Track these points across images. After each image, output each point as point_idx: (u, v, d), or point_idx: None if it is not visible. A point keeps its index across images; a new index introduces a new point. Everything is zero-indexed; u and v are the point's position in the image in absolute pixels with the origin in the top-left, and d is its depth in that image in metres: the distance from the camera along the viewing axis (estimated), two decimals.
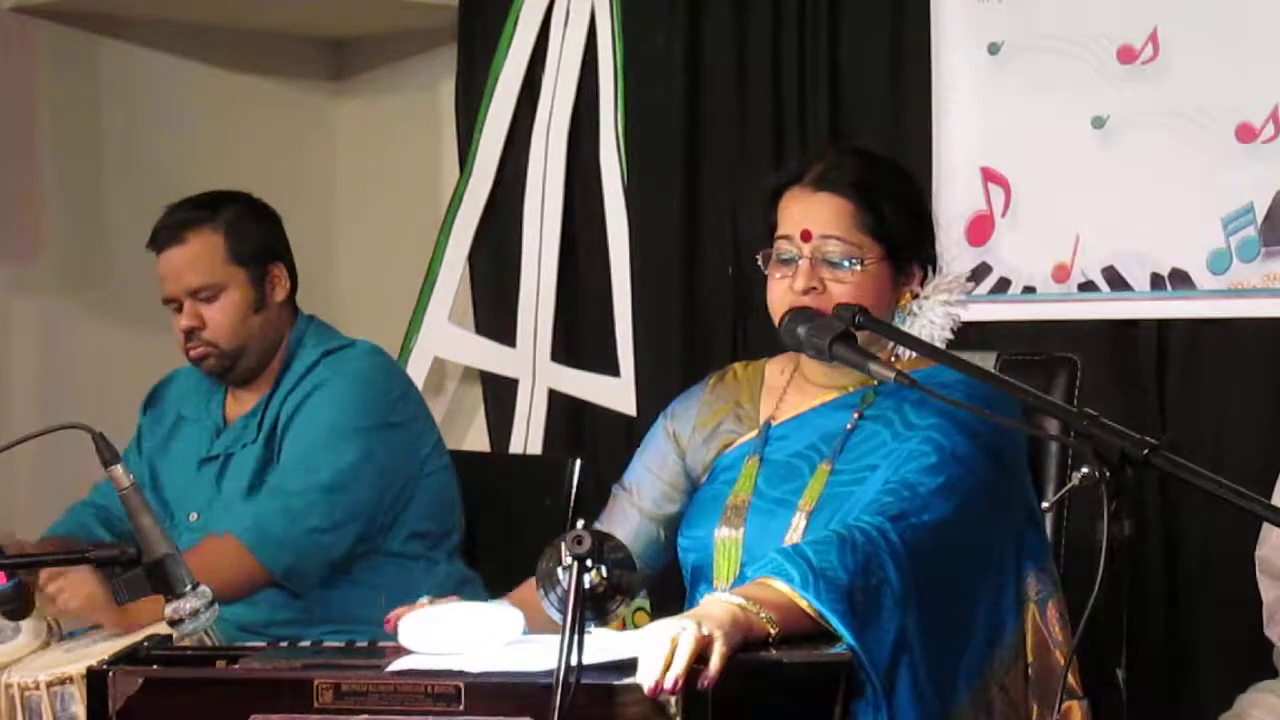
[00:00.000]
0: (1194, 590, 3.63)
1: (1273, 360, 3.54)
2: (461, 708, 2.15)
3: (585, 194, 4.44)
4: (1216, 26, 3.58)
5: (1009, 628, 2.61)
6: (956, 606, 2.53)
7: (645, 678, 2.11)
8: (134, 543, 2.57)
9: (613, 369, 4.38)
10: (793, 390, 2.78)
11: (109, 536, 3.50)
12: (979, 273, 3.80)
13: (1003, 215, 3.82)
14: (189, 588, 2.52)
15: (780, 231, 2.70)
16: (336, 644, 2.53)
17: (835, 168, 2.71)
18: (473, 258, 4.62)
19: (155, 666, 2.33)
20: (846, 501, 2.58)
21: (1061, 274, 3.75)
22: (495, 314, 4.61)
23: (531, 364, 4.51)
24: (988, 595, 2.59)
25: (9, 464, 3.13)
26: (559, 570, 2.19)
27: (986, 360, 2.89)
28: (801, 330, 2.62)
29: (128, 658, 2.34)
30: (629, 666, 2.15)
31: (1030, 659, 2.62)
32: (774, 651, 2.27)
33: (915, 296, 2.73)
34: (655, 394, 4.16)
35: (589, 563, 2.13)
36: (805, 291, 2.65)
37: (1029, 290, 3.79)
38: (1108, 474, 2.20)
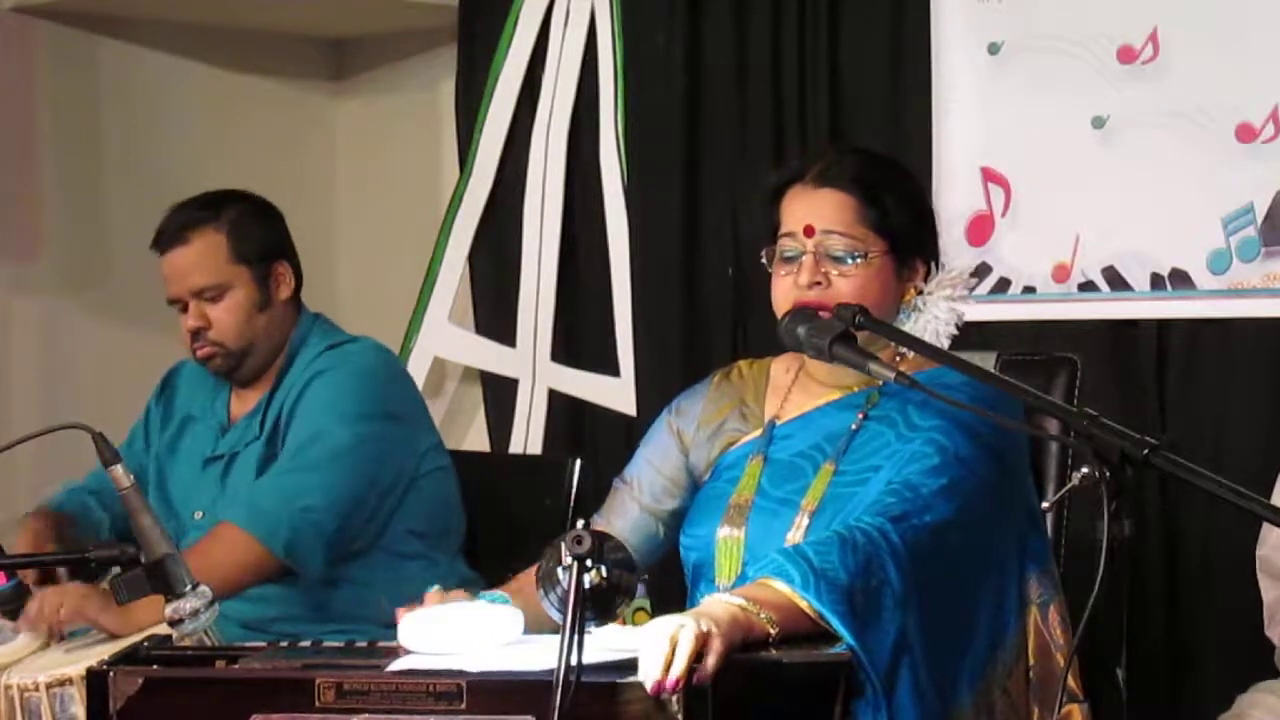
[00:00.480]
0: (1194, 590, 3.63)
1: (1273, 360, 3.54)
2: (463, 706, 2.15)
3: (585, 194, 4.44)
4: (1216, 26, 3.58)
5: (1011, 629, 2.61)
6: (958, 608, 2.53)
7: (646, 676, 2.11)
8: (132, 534, 2.58)
9: (613, 369, 4.38)
10: (797, 389, 2.78)
11: (107, 518, 3.50)
12: (979, 273, 3.80)
13: (1003, 215, 3.82)
14: (189, 588, 2.53)
15: (783, 229, 2.71)
16: (336, 644, 2.53)
17: (837, 164, 2.72)
18: (473, 258, 4.62)
19: (155, 667, 2.33)
20: (849, 502, 2.58)
21: (1061, 274, 3.75)
22: (495, 314, 4.61)
23: (531, 364, 4.51)
24: (989, 597, 2.59)
25: (9, 464, 3.14)
26: (559, 570, 2.19)
27: (986, 360, 2.89)
28: (801, 330, 2.62)
29: (128, 658, 2.34)
30: (630, 665, 2.15)
31: (1031, 662, 2.62)
32: (774, 651, 2.27)
33: (919, 293, 2.73)
34: (655, 394, 4.16)
35: (589, 563, 2.13)
36: (810, 286, 2.65)
37: (1029, 290, 3.79)
38: (1108, 474, 2.20)
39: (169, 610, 2.53)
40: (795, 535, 2.60)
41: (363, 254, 5.07)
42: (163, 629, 2.67)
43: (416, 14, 4.74)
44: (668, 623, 2.17)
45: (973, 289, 2.82)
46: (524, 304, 4.51)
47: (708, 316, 4.23)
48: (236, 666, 2.35)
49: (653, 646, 2.13)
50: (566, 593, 2.12)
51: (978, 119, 3.84)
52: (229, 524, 3.26)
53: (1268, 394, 3.55)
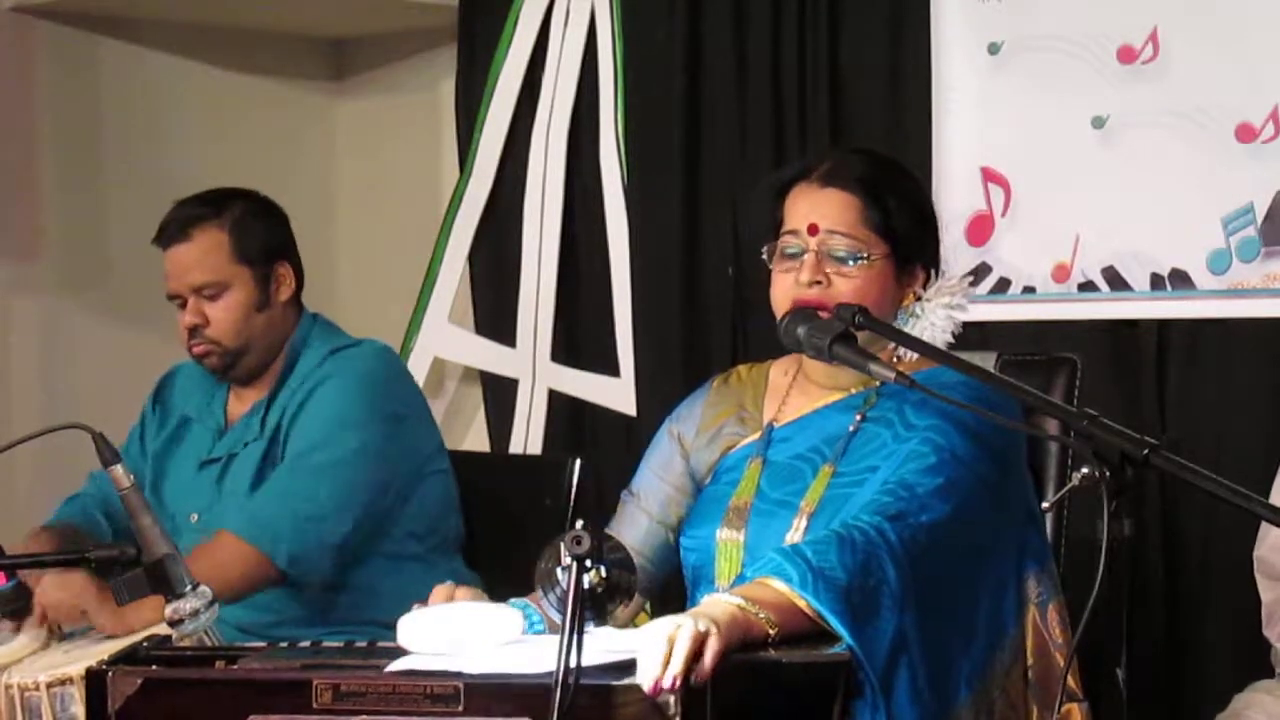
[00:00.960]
0: (1193, 590, 3.63)
1: (1273, 360, 3.54)
2: (461, 708, 2.15)
3: (585, 194, 4.44)
4: (1216, 26, 3.58)
5: (1009, 628, 2.61)
6: (956, 607, 2.53)
7: (644, 677, 2.11)
8: (134, 537, 2.58)
9: (613, 369, 4.38)
10: (796, 392, 2.78)
11: (108, 525, 3.49)
12: (979, 273, 3.81)
13: (1003, 215, 3.83)
14: (189, 588, 2.53)
15: (787, 226, 2.71)
16: (335, 644, 2.53)
17: (843, 164, 2.72)
18: (473, 258, 4.62)
19: (155, 667, 2.33)
20: (848, 503, 2.58)
21: (1061, 274, 3.75)
22: (495, 314, 4.61)
23: (531, 364, 4.51)
24: (988, 596, 2.59)
25: (9, 464, 3.14)
26: (558, 570, 2.19)
27: (986, 360, 2.89)
28: (801, 331, 2.62)
29: (127, 658, 2.34)
30: (628, 666, 2.15)
31: (1030, 661, 2.62)
32: (773, 651, 2.27)
33: (918, 298, 2.73)
34: (655, 394, 4.16)
35: (588, 563, 2.13)
36: (810, 285, 2.65)
37: (1029, 290, 3.79)
38: (1108, 474, 2.20)
39: (169, 610, 2.52)
40: (794, 537, 2.59)
41: (363, 254, 5.07)
42: (162, 629, 2.66)
43: (416, 14, 4.74)
44: (666, 623, 2.17)
45: (971, 297, 2.81)
46: (524, 304, 4.51)
47: (708, 316, 4.23)
48: (235, 667, 2.35)
49: (651, 646, 2.13)
50: (566, 593, 2.12)
51: (978, 119, 3.85)
52: (229, 533, 3.25)
53: (1268, 394, 3.55)
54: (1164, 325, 3.66)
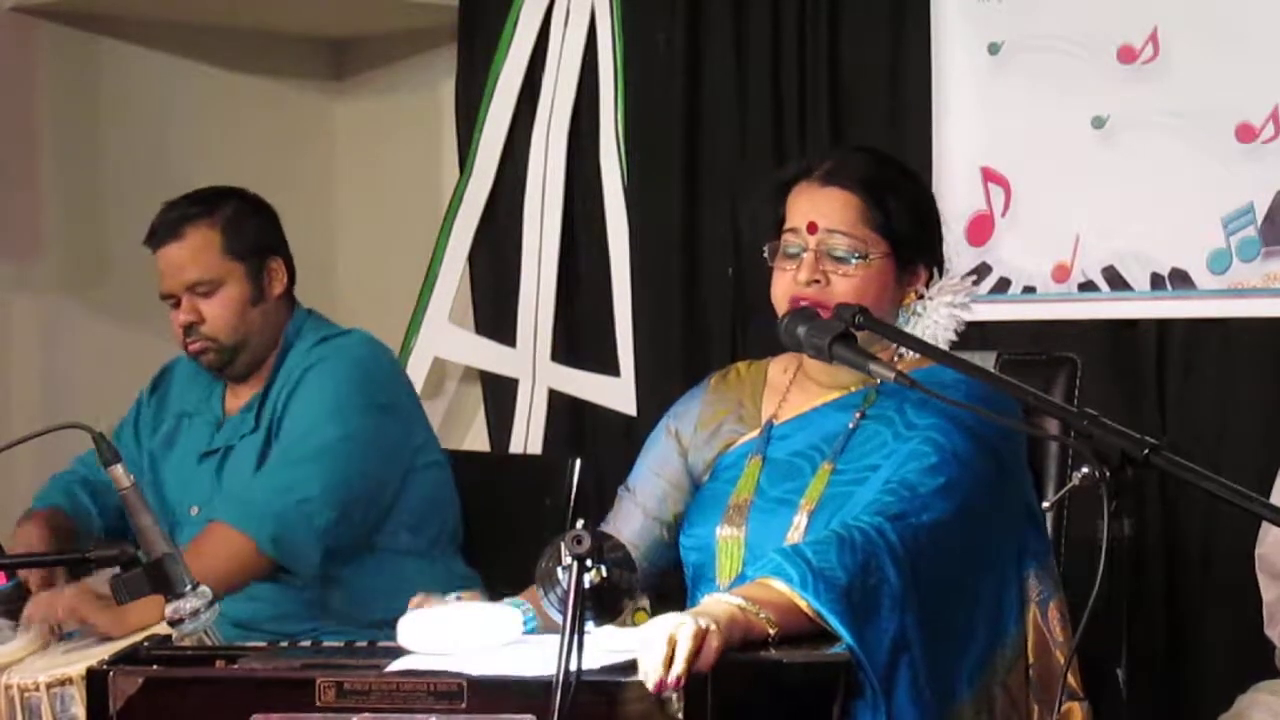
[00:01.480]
0: (1194, 590, 3.63)
1: (1273, 360, 3.54)
2: (464, 705, 2.15)
3: (585, 194, 4.44)
4: (1216, 26, 3.58)
5: (1010, 627, 2.61)
6: (957, 607, 2.53)
7: (647, 676, 2.11)
8: (124, 520, 2.57)
9: (613, 369, 4.38)
10: (795, 390, 2.78)
11: (94, 506, 3.49)
12: (979, 273, 3.80)
13: (1003, 215, 3.82)
14: (189, 587, 2.53)
15: (787, 225, 2.71)
16: (336, 644, 2.53)
17: (845, 164, 2.72)
18: (473, 258, 4.62)
19: (155, 666, 2.33)
20: (848, 501, 2.58)
21: (1061, 274, 3.75)
22: (495, 314, 4.61)
23: (531, 364, 4.51)
24: (989, 595, 2.59)
25: (9, 464, 3.13)
26: (559, 570, 2.19)
27: (986, 360, 2.89)
28: (801, 330, 2.62)
29: (128, 658, 2.34)
30: (630, 666, 2.15)
31: (1031, 660, 2.62)
32: (773, 651, 2.27)
33: (920, 297, 2.73)
34: (655, 394, 4.16)
35: (589, 563, 2.13)
36: (808, 284, 2.65)
37: (1029, 290, 3.79)
38: (1108, 474, 2.20)
39: (169, 610, 2.52)
40: (794, 535, 2.60)
41: (363, 254, 5.07)
42: (162, 629, 2.66)
43: (416, 14, 4.74)
44: (667, 622, 2.17)
45: (975, 296, 2.82)
46: (524, 304, 4.51)
47: (708, 316, 4.23)
48: (236, 666, 2.35)
49: (653, 646, 2.13)
50: (566, 593, 2.12)
51: (978, 119, 3.84)
52: (219, 521, 3.25)
53: (1268, 394, 3.55)
54: (1164, 325, 3.66)
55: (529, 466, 4.23)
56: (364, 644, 2.50)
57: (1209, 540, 3.59)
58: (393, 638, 2.35)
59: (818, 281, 2.66)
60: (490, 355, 4.60)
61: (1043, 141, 3.76)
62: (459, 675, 2.17)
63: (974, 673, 2.54)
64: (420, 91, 4.94)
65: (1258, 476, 3.09)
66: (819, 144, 3.97)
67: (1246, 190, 3.54)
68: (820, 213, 2.68)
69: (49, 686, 2.84)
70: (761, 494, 2.68)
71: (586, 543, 2.13)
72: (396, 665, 2.23)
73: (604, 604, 2.20)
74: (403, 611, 2.42)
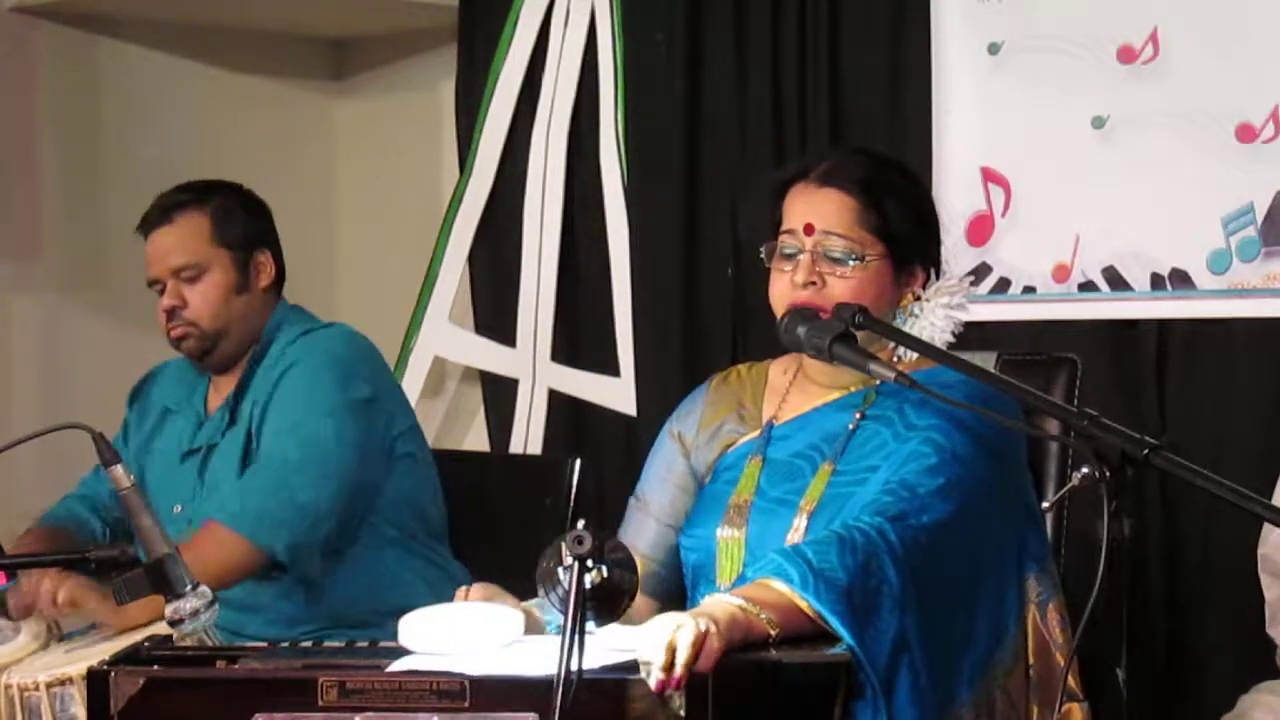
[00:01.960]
0: (1194, 590, 3.63)
1: (1273, 360, 3.54)
2: (466, 704, 2.15)
3: (585, 194, 4.44)
4: (1216, 26, 3.58)
5: (1010, 629, 2.61)
6: (957, 607, 2.53)
7: (649, 676, 2.11)
8: (129, 533, 2.57)
9: (613, 369, 4.38)
10: (795, 390, 2.78)
11: (100, 524, 3.50)
12: (979, 273, 3.81)
13: (1003, 215, 3.82)
14: (189, 588, 2.53)
15: (784, 226, 2.71)
16: (336, 644, 2.53)
17: (842, 165, 2.72)
18: (473, 258, 4.62)
19: (156, 667, 2.33)
20: (848, 502, 2.58)
21: (1061, 274, 3.75)
22: (495, 314, 4.61)
23: (531, 364, 4.51)
24: (989, 596, 2.59)
25: (9, 464, 3.13)
26: (559, 570, 2.19)
27: (986, 360, 2.89)
28: (801, 330, 2.62)
29: (128, 658, 2.34)
30: (631, 666, 2.15)
31: (1031, 661, 2.62)
32: (774, 652, 2.27)
33: (917, 298, 2.73)
34: (655, 394, 4.16)
35: (590, 563, 2.13)
36: (805, 285, 2.65)
37: (1029, 290, 3.79)
38: (1108, 474, 2.20)
39: (169, 610, 2.53)
40: (794, 536, 2.60)
41: (363, 254, 5.07)
42: (162, 628, 2.67)
43: (416, 14, 4.74)
44: (667, 622, 2.17)
45: (971, 297, 2.82)
46: (524, 304, 4.51)
47: (708, 316, 4.23)
48: (238, 666, 2.35)
49: (653, 646, 2.13)
50: (567, 593, 2.12)
51: (978, 119, 3.84)
52: (215, 522, 3.25)
53: (1268, 394, 3.55)
54: (1164, 325, 3.66)
55: (529, 466, 4.23)
56: (365, 644, 2.51)
57: (1209, 540, 3.59)
58: (385, 632, 2.34)
59: (814, 283, 2.66)
60: (490, 355, 4.60)
61: (1043, 141, 3.76)
62: (461, 674, 2.17)
63: (974, 674, 2.54)
64: (420, 91, 4.94)
65: (1258, 476, 3.09)
66: (819, 144, 3.97)
67: (1246, 190, 3.54)
68: (817, 214, 2.68)
69: (49, 686, 2.84)
70: (762, 495, 2.69)
71: (587, 543, 2.13)
72: (398, 665, 2.23)
73: (605, 604, 2.20)
74: (386, 605, 2.41)
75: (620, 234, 4.35)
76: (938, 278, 2.78)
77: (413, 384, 4.52)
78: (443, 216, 4.63)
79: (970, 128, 3.85)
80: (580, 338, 4.50)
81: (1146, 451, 2.21)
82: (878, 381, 2.63)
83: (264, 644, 2.60)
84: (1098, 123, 3.70)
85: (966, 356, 2.63)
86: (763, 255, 2.73)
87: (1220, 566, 3.55)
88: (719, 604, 2.28)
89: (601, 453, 4.30)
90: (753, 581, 2.38)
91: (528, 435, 4.51)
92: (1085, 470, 2.21)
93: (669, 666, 2.11)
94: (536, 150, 4.49)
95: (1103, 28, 3.69)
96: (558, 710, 2.03)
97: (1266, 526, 3.04)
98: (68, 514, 3.52)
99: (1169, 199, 3.62)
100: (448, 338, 4.64)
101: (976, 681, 2.54)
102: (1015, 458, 2.68)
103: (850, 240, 2.67)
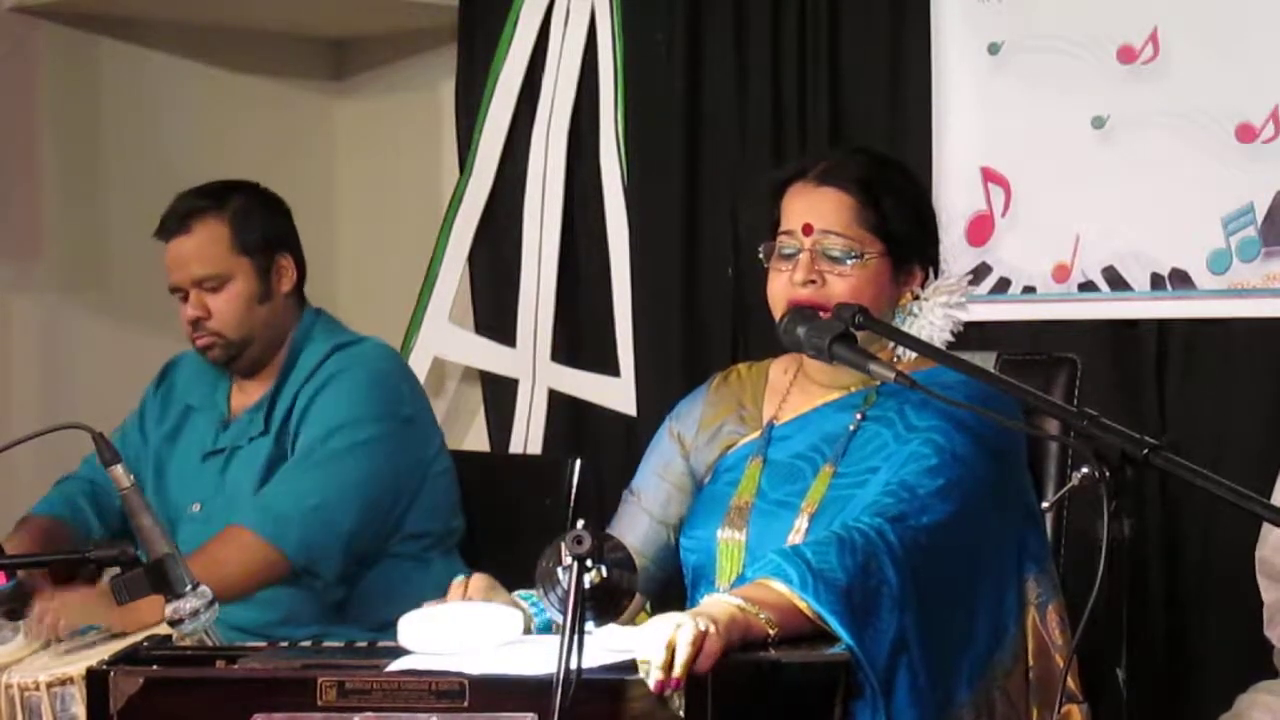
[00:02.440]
0: (1194, 591, 3.63)
1: (1273, 360, 3.54)
2: (466, 704, 2.15)
3: (585, 194, 4.44)
4: (1216, 26, 3.58)
5: (1009, 630, 2.61)
6: (956, 608, 2.53)
7: (648, 676, 2.11)
8: (126, 527, 2.57)
9: (613, 369, 4.38)
10: (796, 390, 2.78)
11: (95, 514, 3.49)
12: (979, 273, 3.81)
13: (1003, 215, 3.82)
14: (189, 588, 2.53)
15: (783, 226, 2.71)
16: (336, 644, 2.53)
17: (840, 164, 2.72)
18: (473, 258, 4.62)
19: (156, 667, 2.33)
20: (849, 504, 2.58)
21: (1061, 274, 3.75)
22: (495, 314, 4.61)
23: (531, 364, 4.51)
24: (988, 596, 2.59)
25: (9, 464, 3.13)
26: (559, 570, 2.19)
27: (986, 360, 2.89)
28: (801, 330, 2.62)
29: (128, 658, 2.34)
30: (630, 666, 2.15)
31: (1031, 663, 2.62)
32: (773, 652, 2.27)
33: (916, 297, 2.73)
34: (655, 394, 4.16)
35: (589, 563, 2.13)
36: (804, 284, 2.65)
37: (1029, 290, 3.79)
38: (1108, 474, 2.20)
39: (169, 610, 2.53)
40: (795, 537, 2.60)
41: (363, 254, 5.07)
42: (163, 628, 2.67)
43: (416, 14, 4.74)
44: (666, 622, 2.17)
45: (971, 297, 2.81)
46: (524, 304, 4.51)
47: (708, 316, 4.23)
48: (237, 666, 2.35)
49: (652, 646, 2.13)
50: (566, 593, 2.12)
51: (978, 119, 3.84)
52: (240, 526, 3.25)
53: (1268, 394, 3.55)
54: (1164, 325, 3.66)
55: (529, 466, 4.23)
56: (364, 644, 2.51)
57: (1209, 540, 3.59)
58: (394, 638, 2.35)
59: (813, 282, 2.66)
60: (490, 355, 4.60)
61: (1042, 141, 3.76)
62: (460, 674, 2.17)
63: (973, 674, 2.54)
64: (420, 91, 4.94)
65: (1258, 476, 3.09)
66: (819, 144, 3.97)
67: (1246, 190, 3.54)
68: (815, 213, 2.68)
69: (49, 686, 2.83)
70: (762, 496, 2.68)
71: (587, 543, 2.13)
72: (397, 665, 2.23)
73: (604, 604, 2.20)
74: (400, 615, 2.42)
75: (620, 234, 4.35)
76: (936, 277, 2.78)
77: None
78: (443, 216, 4.64)
79: (970, 128, 3.85)
80: (580, 338, 4.50)
81: (1146, 451, 2.21)
82: (878, 382, 2.63)
83: (263, 644, 2.59)
84: (1098, 123, 3.70)
85: (966, 356, 2.63)
86: (761, 255, 2.73)
87: (1220, 567, 3.55)
88: (718, 604, 2.28)
89: (601, 453, 4.30)
90: (752, 582, 2.38)
91: (528, 435, 4.51)
92: (1085, 470, 2.21)
93: (668, 666, 2.11)
94: (536, 150, 4.49)
95: (1103, 28, 3.69)
96: (557, 710, 2.03)
97: (1265, 529, 3.04)
98: (64, 501, 3.51)
99: (1169, 199, 3.62)
100: (448, 338, 4.64)
101: (976, 682, 2.54)
102: (1015, 458, 2.68)
103: (849, 239, 2.67)
